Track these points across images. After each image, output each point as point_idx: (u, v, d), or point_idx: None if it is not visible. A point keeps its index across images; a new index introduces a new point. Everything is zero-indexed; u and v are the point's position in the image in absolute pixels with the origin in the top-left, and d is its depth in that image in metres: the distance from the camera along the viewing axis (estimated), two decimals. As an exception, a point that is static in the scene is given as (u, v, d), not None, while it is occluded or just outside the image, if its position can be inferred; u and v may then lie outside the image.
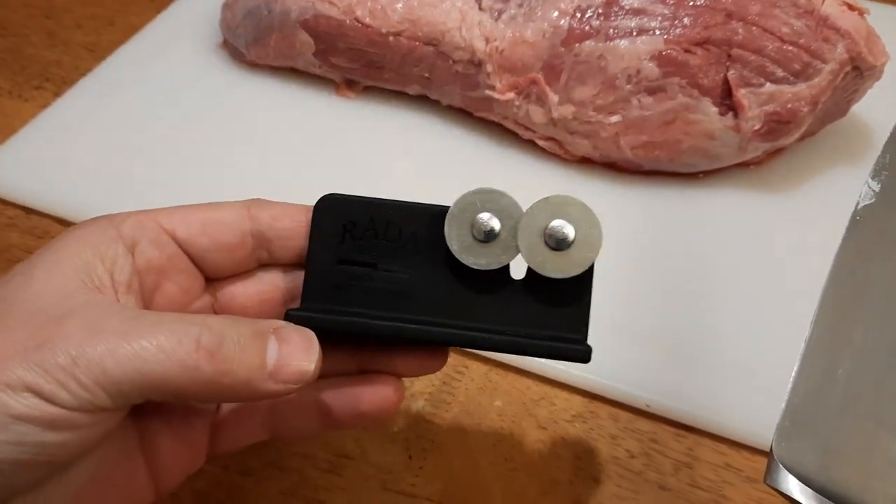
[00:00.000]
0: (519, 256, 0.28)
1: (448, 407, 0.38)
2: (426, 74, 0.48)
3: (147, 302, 0.28)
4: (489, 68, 0.46)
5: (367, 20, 0.47)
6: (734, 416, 0.37)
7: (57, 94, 0.52)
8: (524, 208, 0.28)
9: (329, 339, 0.27)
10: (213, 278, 0.30)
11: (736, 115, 0.44)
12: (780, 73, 0.43)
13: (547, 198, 0.27)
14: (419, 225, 0.29)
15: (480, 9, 0.46)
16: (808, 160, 0.48)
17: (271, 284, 0.30)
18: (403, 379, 0.30)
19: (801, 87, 0.43)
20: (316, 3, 0.48)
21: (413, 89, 0.50)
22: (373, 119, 0.51)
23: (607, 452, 0.36)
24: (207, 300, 0.30)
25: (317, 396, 0.29)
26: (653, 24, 0.44)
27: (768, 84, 0.43)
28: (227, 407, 0.30)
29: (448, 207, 0.28)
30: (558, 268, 0.27)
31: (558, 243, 0.27)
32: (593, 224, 0.27)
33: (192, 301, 0.29)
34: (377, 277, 0.29)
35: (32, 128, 0.49)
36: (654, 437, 0.37)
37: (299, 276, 0.29)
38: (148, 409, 0.27)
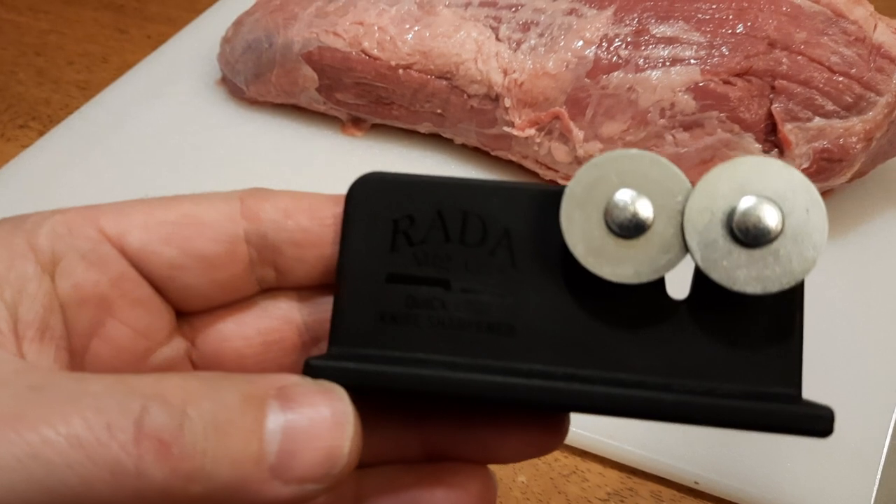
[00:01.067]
0: (686, 260, 0.18)
1: (465, 482, 0.33)
2: (439, 111, 0.44)
3: (78, 354, 0.19)
4: (507, 103, 0.42)
5: (375, 52, 0.44)
6: (797, 493, 0.32)
7: (42, 133, 0.49)
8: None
9: (375, 405, 0.19)
10: (188, 311, 0.20)
11: (782, 153, 0.40)
12: (829, 106, 0.39)
13: (730, 162, 0.18)
14: (516, 216, 0.19)
15: (498, 39, 0.43)
16: (857, 203, 0.44)
17: (281, 319, 0.21)
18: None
19: (854, 122, 0.39)
20: (320, 35, 0.45)
21: (424, 127, 0.46)
22: (381, 159, 0.47)
23: (650, 537, 0.32)
24: (180, 346, 0.20)
25: (358, 500, 0.20)
26: (687, 53, 0.40)
27: (817, 118, 0.39)
28: None
29: (563, 187, 0.18)
30: (756, 276, 0.17)
31: (756, 236, 0.17)
32: (810, 200, 0.17)
33: (154, 348, 0.20)
34: (451, 303, 0.19)
35: (11, 169, 0.45)
36: (704, 520, 0.32)
37: (326, 305, 0.20)
38: None
